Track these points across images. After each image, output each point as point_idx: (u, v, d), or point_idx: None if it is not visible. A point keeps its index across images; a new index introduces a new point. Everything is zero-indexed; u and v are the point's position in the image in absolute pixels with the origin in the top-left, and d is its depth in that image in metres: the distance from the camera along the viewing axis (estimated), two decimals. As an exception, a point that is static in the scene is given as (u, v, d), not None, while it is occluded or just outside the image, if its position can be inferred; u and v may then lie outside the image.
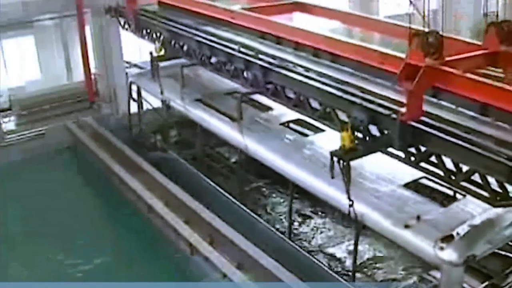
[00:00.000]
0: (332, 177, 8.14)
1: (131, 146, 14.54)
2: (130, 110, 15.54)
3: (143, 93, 14.89)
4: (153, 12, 14.58)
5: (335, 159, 7.99)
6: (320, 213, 11.83)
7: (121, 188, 13.43)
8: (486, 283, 8.14)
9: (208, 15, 12.85)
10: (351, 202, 8.25)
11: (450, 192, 8.52)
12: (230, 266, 9.69)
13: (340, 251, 10.68)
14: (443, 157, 7.56)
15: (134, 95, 15.07)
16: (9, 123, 16.93)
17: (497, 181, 7.08)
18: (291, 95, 10.03)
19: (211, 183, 12.45)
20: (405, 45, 7.89)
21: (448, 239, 7.24)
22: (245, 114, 11.46)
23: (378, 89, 8.62)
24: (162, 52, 13.68)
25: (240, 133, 11.23)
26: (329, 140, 9.52)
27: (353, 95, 8.48)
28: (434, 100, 7.96)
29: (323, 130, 10.47)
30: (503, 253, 8.20)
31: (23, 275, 11.32)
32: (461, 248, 7.16)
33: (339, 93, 8.65)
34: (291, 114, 11.06)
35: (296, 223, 11.44)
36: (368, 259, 10.32)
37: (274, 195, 12.67)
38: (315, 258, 10.10)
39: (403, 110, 7.50)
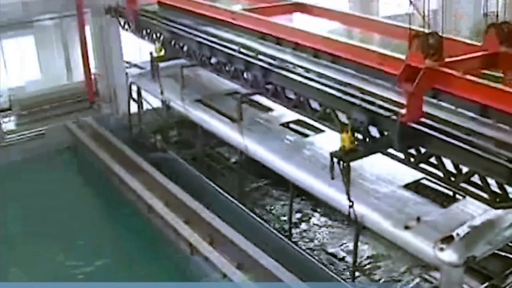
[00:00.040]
0: (332, 178, 8.16)
1: (131, 146, 14.55)
2: (130, 110, 15.57)
3: (143, 93, 14.91)
4: (153, 12, 14.59)
5: (335, 160, 8.01)
6: (320, 213, 11.84)
7: (121, 188, 13.43)
8: (486, 284, 8.18)
9: (208, 16, 12.86)
10: (351, 203, 8.27)
11: (450, 193, 8.54)
12: (230, 266, 9.69)
13: (340, 251, 10.70)
14: (443, 159, 7.56)
15: (134, 95, 15.10)
16: (9, 123, 16.93)
17: (497, 182, 7.09)
18: (291, 96, 10.04)
19: (211, 183, 12.46)
20: (405, 46, 7.91)
21: (448, 240, 7.26)
22: (245, 115, 11.47)
23: (378, 90, 8.62)
24: (162, 53, 13.68)
25: (240, 133, 11.24)
26: (329, 141, 9.54)
27: (353, 96, 8.48)
28: (434, 101, 7.97)
29: (323, 131, 10.49)
30: (503, 254, 8.22)
31: (23, 275, 11.32)
32: (461, 249, 7.18)
33: (339, 94, 8.66)
34: (291, 115, 11.06)
35: (296, 223, 11.46)
36: (368, 257, 10.36)
37: (274, 195, 12.68)
38: (315, 258, 10.11)
39: (403, 111, 7.50)
